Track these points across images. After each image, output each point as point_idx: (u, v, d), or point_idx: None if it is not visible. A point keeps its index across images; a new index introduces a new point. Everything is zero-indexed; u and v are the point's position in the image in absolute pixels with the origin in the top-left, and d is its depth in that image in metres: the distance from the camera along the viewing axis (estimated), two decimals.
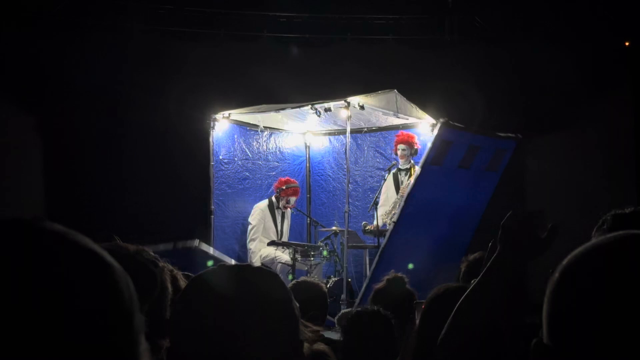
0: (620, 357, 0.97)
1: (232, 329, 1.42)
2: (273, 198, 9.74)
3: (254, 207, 9.71)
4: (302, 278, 5.81)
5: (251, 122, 10.09)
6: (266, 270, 1.64)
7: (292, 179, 9.90)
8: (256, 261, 9.06)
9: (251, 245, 9.49)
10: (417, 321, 2.78)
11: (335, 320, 5.49)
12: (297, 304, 1.55)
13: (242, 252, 9.76)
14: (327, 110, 8.95)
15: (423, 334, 2.62)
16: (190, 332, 1.45)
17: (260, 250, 9.34)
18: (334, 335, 4.94)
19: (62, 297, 0.81)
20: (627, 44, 9.86)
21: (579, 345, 1.00)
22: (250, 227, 9.59)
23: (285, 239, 9.63)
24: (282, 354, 1.47)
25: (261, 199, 9.92)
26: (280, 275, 6.61)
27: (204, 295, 1.48)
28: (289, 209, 9.78)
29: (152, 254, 2.35)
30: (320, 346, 2.65)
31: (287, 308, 1.52)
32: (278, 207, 9.68)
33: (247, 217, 9.75)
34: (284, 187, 9.62)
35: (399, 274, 5.43)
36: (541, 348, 1.06)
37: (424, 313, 2.68)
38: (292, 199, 9.70)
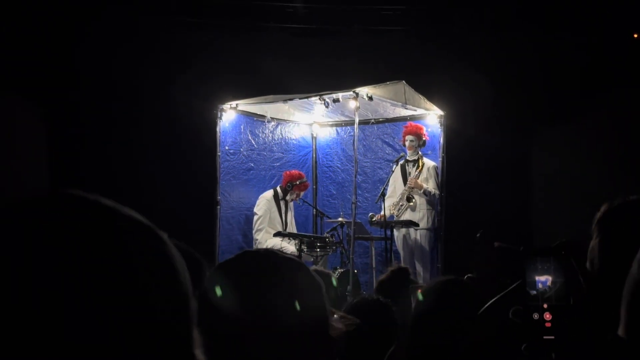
0: None
1: (254, 319, 1.37)
2: (278, 189, 9.73)
3: (260, 197, 9.70)
4: (312, 267, 5.81)
5: (258, 113, 10.09)
6: (295, 260, 1.58)
7: (302, 173, 9.89)
8: None
9: (258, 236, 9.48)
10: (413, 306, 2.79)
11: (342, 312, 5.48)
12: (327, 297, 1.50)
13: (245, 242, 9.75)
14: (336, 101, 8.92)
15: (417, 323, 2.63)
16: (218, 322, 1.41)
17: (267, 241, 9.33)
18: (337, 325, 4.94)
19: (125, 275, 0.78)
20: (635, 36, 9.80)
21: None
22: (256, 217, 9.58)
23: (290, 229, 9.62)
24: (310, 347, 1.42)
25: (265, 189, 9.91)
26: None
27: (233, 283, 1.44)
28: (291, 201, 9.79)
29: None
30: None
31: (316, 300, 1.47)
32: (283, 198, 9.67)
33: (251, 207, 9.75)
34: (297, 182, 9.61)
35: (403, 265, 5.43)
36: (618, 342, 1.02)
37: (418, 304, 2.69)
38: (302, 194, 9.74)
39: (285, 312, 1.39)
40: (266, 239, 9.39)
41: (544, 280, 1.79)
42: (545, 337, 1.72)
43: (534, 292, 1.78)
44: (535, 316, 1.76)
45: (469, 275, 3.90)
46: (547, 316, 1.74)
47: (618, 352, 1.03)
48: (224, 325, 1.38)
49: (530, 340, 1.73)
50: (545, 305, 1.76)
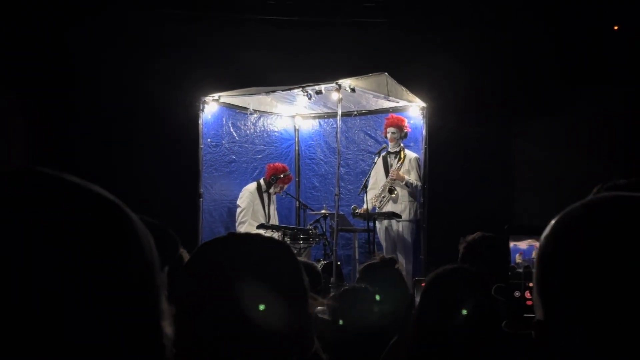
0: (616, 328, 0.95)
1: (240, 299, 1.38)
2: (262, 181, 9.71)
3: (243, 189, 9.69)
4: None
5: (240, 105, 10.08)
6: (277, 241, 1.60)
7: (286, 166, 9.88)
8: None
9: (241, 229, 9.46)
10: (417, 300, 2.79)
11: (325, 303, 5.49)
12: (307, 277, 1.52)
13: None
14: (319, 92, 8.92)
15: (423, 313, 2.63)
16: (197, 302, 1.41)
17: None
18: (325, 316, 4.94)
19: (87, 248, 0.78)
20: (615, 28, 9.85)
21: (573, 318, 0.98)
22: (239, 210, 9.57)
23: (272, 222, 9.62)
24: (292, 326, 1.43)
25: (247, 182, 9.90)
26: None
27: (212, 263, 1.45)
28: (274, 194, 9.78)
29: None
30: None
31: (297, 279, 1.49)
32: (266, 191, 9.66)
33: (234, 200, 9.73)
34: (281, 175, 9.59)
35: (392, 256, 5.45)
36: (539, 326, 1.04)
37: (424, 293, 2.68)
38: (285, 187, 9.73)
39: (265, 291, 1.41)
40: (249, 231, 9.38)
41: (527, 249, 1.81)
42: (525, 315, 1.75)
43: (519, 270, 1.81)
44: (517, 294, 1.79)
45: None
46: (529, 294, 1.77)
47: (539, 336, 1.05)
48: (202, 303, 1.40)
49: (510, 317, 1.76)
50: (528, 284, 1.79)
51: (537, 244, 1.81)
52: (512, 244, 1.81)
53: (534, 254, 1.80)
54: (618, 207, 1.00)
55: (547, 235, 1.04)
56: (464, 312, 2.47)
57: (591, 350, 0.96)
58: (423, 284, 2.76)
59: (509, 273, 1.80)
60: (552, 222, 1.05)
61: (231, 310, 1.38)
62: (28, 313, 0.75)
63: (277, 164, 9.82)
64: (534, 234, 1.81)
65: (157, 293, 0.85)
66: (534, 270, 1.06)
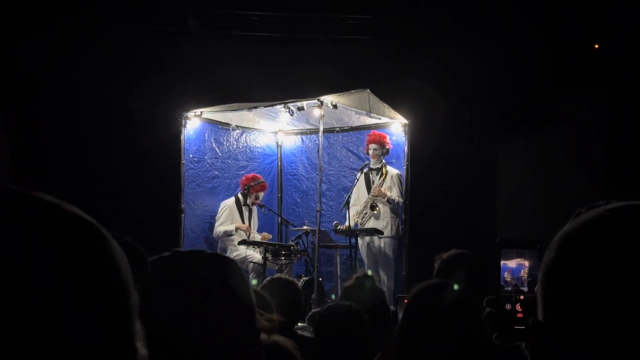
0: (617, 333, 0.95)
1: (185, 316, 1.37)
2: (239, 195, 9.72)
3: (222, 204, 9.69)
4: (277, 275, 5.79)
5: (223, 121, 10.09)
6: (221, 256, 1.59)
7: (258, 175, 9.88)
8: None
9: (222, 244, 9.47)
10: (400, 316, 2.77)
11: (306, 319, 5.47)
12: (254, 292, 1.51)
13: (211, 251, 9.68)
14: (300, 109, 8.94)
15: (406, 328, 2.62)
16: (144, 320, 1.40)
17: (232, 251, 9.30)
18: (306, 333, 4.92)
19: (56, 269, 0.77)
20: (596, 46, 9.95)
21: (574, 322, 0.98)
22: (216, 224, 9.57)
23: (253, 236, 9.60)
24: (238, 342, 1.42)
25: (229, 198, 9.89)
26: (251, 273, 6.58)
27: (155, 281, 1.43)
28: (254, 206, 9.77)
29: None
30: (281, 338, 2.61)
31: (242, 295, 1.47)
32: (245, 204, 9.66)
33: (216, 216, 9.72)
34: (252, 184, 9.62)
35: (369, 272, 5.43)
36: (537, 326, 1.04)
37: (407, 308, 2.67)
38: (261, 194, 9.73)
39: (214, 308, 1.40)
40: (233, 245, 9.38)
41: (516, 267, 1.83)
42: (516, 327, 1.76)
43: (508, 288, 1.82)
44: (508, 306, 1.80)
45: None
46: (519, 307, 1.79)
47: (537, 335, 1.05)
48: (158, 320, 1.39)
49: (501, 329, 1.77)
50: (519, 297, 1.80)
51: (525, 262, 1.83)
52: (501, 263, 1.83)
53: (522, 273, 1.82)
54: (632, 215, 1.01)
55: (558, 242, 1.05)
56: (447, 326, 2.47)
57: (595, 353, 0.96)
58: (406, 301, 2.75)
59: (498, 290, 1.82)
60: (564, 228, 1.06)
61: (177, 327, 1.37)
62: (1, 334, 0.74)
63: (247, 175, 9.85)
64: (525, 247, 1.83)
65: (131, 313, 0.84)
66: (539, 274, 1.07)
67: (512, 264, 1.83)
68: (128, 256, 0.87)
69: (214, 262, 1.50)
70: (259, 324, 1.50)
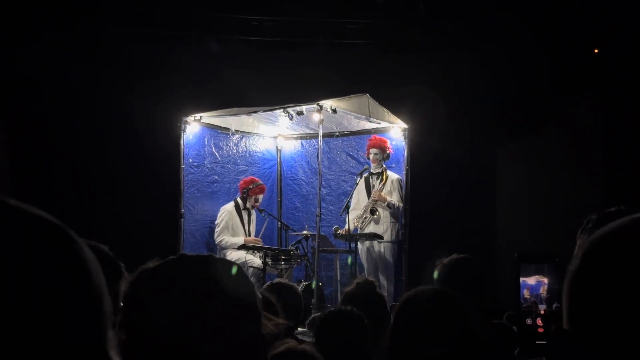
0: None
1: (189, 321, 1.36)
2: (239, 199, 9.71)
3: (221, 209, 9.68)
4: (277, 280, 5.78)
5: (222, 125, 10.07)
6: (226, 260, 1.57)
7: (255, 178, 9.88)
8: None
9: (225, 248, 9.45)
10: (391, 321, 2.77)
11: (306, 324, 5.46)
12: (260, 296, 1.50)
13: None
14: (300, 113, 8.93)
15: (396, 335, 2.61)
16: (145, 326, 1.38)
17: (231, 254, 9.29)
18: (306, 338, 4.90)
19: (27, 274, 0.75)
20: (596, 51, 9.96)
21: (600, 330, 0.98)
22: (216, 229, 9.55)
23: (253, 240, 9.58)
24: (243, 347, 1.41)
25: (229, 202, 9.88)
26: (251, 278, 6.54)
27: (158, 286, 1.42)
28: (253, 210, 9.75)
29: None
30: (307, 346, 2.61)
31: (248, 299, 1.45)
32: (244, 208, 9.65)
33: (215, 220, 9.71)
34: (251, 186, 9.62)
35: (370, 278, 5.41)
36: (561, 334, 1.04)
37: (397, 314, 2.66)
38: (260, 197, 9.73)
39: (218, 313, 1.38)
40: (232, 249, 9.37)
41: (535, 285, 1.81)
42: (537, 342, 1.75)
43: (529, 297, 1.81)
44: (529, 321, 1.79)
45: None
46: (540, 322, 1.77)
47: (562, 343, 1.05)
48: (155, 328, 1.37)
49: (522, 345, 1.75)
50: (539, 311, 1.79)
51: (545, 279, 1.82)
52: (520, 280, 1.81)
53: (541, 290, 1.80)
54: None
55: (585, 250, 1.05)
56: (439, 333, 2.46)
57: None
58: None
59: (518, 305, 1.81)
60: (591, 237, 1.06)
61: (181, 333, 1.35)
62: None
63: (245, 178, 9.84)
64: (543, 261, 1.81)
65: (103, 319, 0.83)
66: (564, 282, 1.07)
67: (531, 280, 1.81)
68: (102, 264, 0.86)
69: (221, 267, 1.48)
70: (265, 329, 1.49)
